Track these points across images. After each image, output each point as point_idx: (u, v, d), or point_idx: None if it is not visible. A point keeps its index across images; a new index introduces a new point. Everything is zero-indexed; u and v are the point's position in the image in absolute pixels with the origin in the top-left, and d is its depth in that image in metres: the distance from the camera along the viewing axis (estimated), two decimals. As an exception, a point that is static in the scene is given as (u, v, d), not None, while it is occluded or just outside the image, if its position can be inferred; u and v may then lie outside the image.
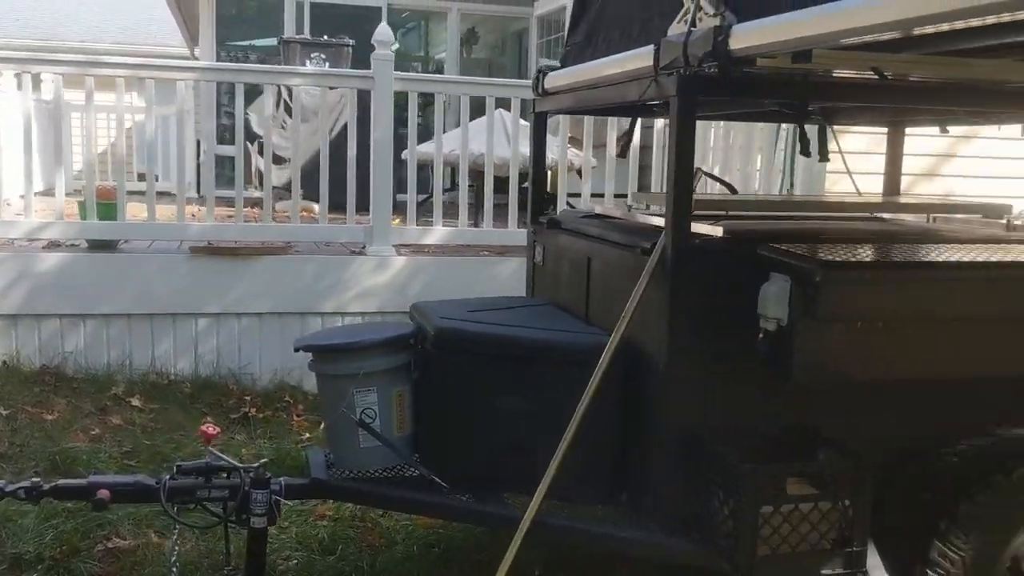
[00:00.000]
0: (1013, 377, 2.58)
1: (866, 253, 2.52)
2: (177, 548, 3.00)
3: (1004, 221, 3.33)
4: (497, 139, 6.04)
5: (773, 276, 2.47)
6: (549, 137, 6.00)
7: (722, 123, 5.90)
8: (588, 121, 5.93)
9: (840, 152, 3.55)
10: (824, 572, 2.41)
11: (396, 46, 5.37)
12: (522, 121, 6.22)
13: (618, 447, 2.80)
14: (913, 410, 2.63)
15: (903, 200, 3.83)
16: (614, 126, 5.97)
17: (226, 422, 4.78)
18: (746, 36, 2.27)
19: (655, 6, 2.84)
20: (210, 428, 3.09)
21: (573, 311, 3.27)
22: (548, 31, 10.71)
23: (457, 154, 5.71)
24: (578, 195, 6.16)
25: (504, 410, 2.87)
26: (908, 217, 3.53)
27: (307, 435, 4.72)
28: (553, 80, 3.60)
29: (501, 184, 5.88)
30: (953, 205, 3.81)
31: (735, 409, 2.59)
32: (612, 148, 5.79)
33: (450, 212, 5.90)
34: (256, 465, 3.02)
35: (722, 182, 3.95)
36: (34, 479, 2.94)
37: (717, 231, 2.67)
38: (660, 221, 3.06)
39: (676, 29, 2.57)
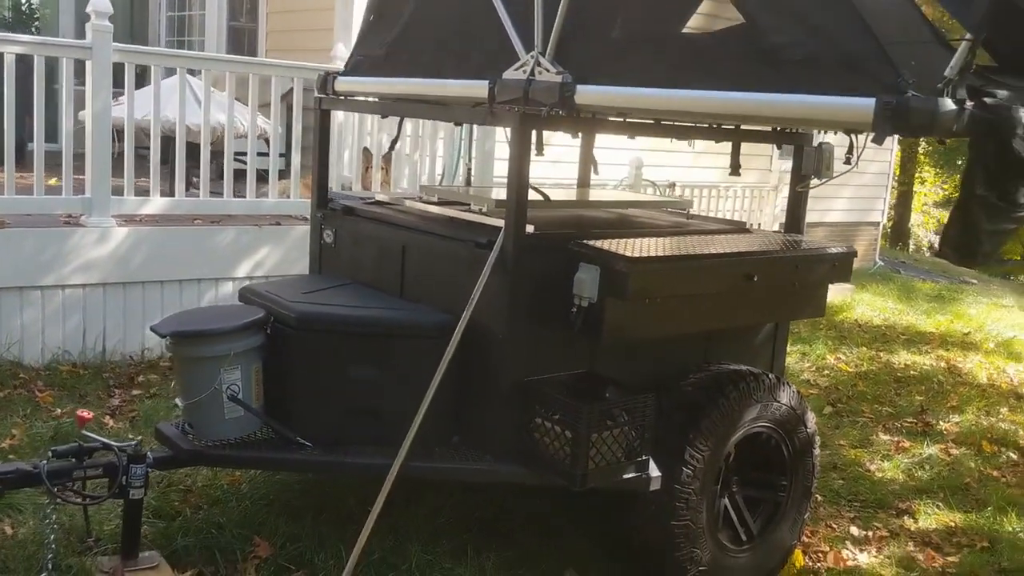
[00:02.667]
0: (727, 329, 3.76)
1: (648, 247, 3.48)
2: (54, 528, 3.19)
3: (686, 212, 4.57)
4: (190, 107, 6.24)
5: (584, 266, 3.35)
6: (216, 95, 6.35)
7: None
8: (253, 82, 6.24)
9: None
10: (624, 476, 3.39)
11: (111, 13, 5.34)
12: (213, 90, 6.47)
13: (451, 400, 3.52)
14: (670, 356, 3.71)
15: (636, 198, 4.90)
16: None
17: (-34, 404, 4.66)
18: (585, 96, 3.09)
19: (476, 44, 3.55)
20: (85, 413, 3.31)
21: (385, 290, 3.88)
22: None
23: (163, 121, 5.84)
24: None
25: (361, 379, 3.46)
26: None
27: (58, 410, 4.77)
28: (347, 85, 4.13)
29: (193, 150, 6.11)
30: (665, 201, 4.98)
31: (554, 365, 3.46)
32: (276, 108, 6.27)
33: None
34: (133, 442, 3.32)
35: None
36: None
37: (530, 228, 3.48)
38: (453, 214, 3.85)
39: (512, 74, 3.31)
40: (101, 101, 5.38)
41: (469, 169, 6.97)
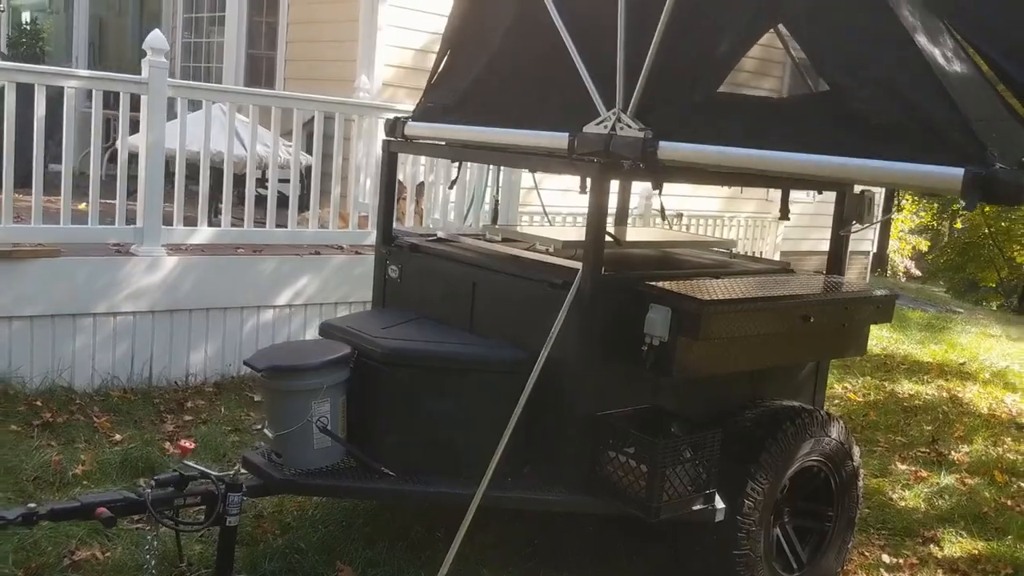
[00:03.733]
0: (785, 367, 3.99)
1: (714, 289, 3.70)
2: (154, 552, 3.35)
3: (730, 252, 4.81)
4: (231, 139, 6.42)
5: (655, 307, 3.56)
6: (261, 131, 6.52)
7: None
8: (297, 116, 6.44)
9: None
10: (693, 508, 3.59)
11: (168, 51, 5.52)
12: (241, 117, 6.65)
13: (524, 432, 3.71)
14: (727, 391, 3.92)
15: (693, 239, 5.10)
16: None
17: (30, 429, 4.78)
18: (667, 152, 3.31)
19: (554, 98, 3.77)
20: (187, 443, 3.47)
21: (454, 325, 4.06)
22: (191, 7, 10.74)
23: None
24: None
25: (441, 411, 3.65)
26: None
27: (117, 436, 4.91)
28: (418, 130, 4.33)
29: (239, 180, 6.29)
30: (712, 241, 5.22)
31: (622, 399, 3.67)
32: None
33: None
34: (232, 472, 3.48)
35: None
36: (30, 505, 3.12)
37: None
38: (520, 253, 4.06)
39: (593, 128, 3.52)
40: (155, 134, 5.54)
41: (496, 200, 7.17)
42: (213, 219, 6.14)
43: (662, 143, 3.32)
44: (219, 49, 10.14)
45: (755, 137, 3.17)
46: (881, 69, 2.85)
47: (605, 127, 3.48)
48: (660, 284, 3.63)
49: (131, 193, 5.69)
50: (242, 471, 3.66)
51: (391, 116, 4.55)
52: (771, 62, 10.83)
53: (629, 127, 3.41)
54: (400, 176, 7.11)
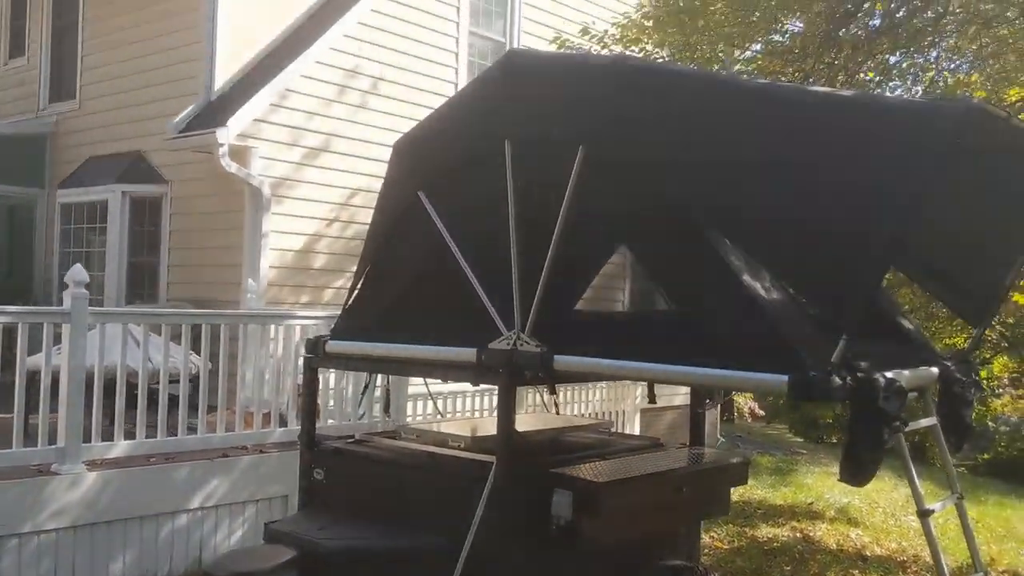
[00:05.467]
0: (664, 530, 4.73)
1: (606, 470, 4.43)
2: None
3: (608, 431, 5.60)
4: (131, 351, 6.85)
5: (559, 491, 4.26)
6: (173, 345, 6.99)
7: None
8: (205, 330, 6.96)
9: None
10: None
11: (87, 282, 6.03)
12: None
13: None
14: (626, 556, 4.61)
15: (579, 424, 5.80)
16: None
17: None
18: (561, 363, 4.10)
19: (461, 320, 4.52)
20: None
21: (382, 520, 4.61)
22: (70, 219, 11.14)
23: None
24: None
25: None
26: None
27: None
28: (338, 348, 4.99)
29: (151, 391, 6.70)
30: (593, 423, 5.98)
31: (546, 571, 4.30)
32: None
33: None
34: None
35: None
36: None
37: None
38: (435, 450, 4.71)
39: (497, 345, 4.29)
40: (76, 359, 5.96)
41: (387, 390, 7.79)
42: (129, 430, 6.49)
43: (556, 357, 4.10)
44: (100, 258, 10.55)
45: (628, 348, 3.99)
46: (718, 300, 3.75)
47: (507, 344, 4.25)
48: (561, 470, 4.35)
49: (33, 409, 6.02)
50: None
51: (312, 335, 5.19)
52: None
53: (528, 343, 4.20)
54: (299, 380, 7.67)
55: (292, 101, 9.91)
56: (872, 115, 3.64)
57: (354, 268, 10.26)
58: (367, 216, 10.29)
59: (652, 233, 4.08)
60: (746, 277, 3.68)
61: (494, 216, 4.38)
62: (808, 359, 3.41)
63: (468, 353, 4.37)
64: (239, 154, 9.42)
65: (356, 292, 5.10)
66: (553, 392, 4.90)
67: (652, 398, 5.42)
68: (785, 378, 3.41)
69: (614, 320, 4.33)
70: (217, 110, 9.76)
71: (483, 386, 9.20)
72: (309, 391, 5.13)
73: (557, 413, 6.26)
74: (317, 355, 5.08)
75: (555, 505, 4.22)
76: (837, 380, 3.33)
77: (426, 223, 4.66)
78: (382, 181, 5.27)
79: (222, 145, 9.14)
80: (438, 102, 10.95)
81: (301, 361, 7.50)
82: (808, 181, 3.62)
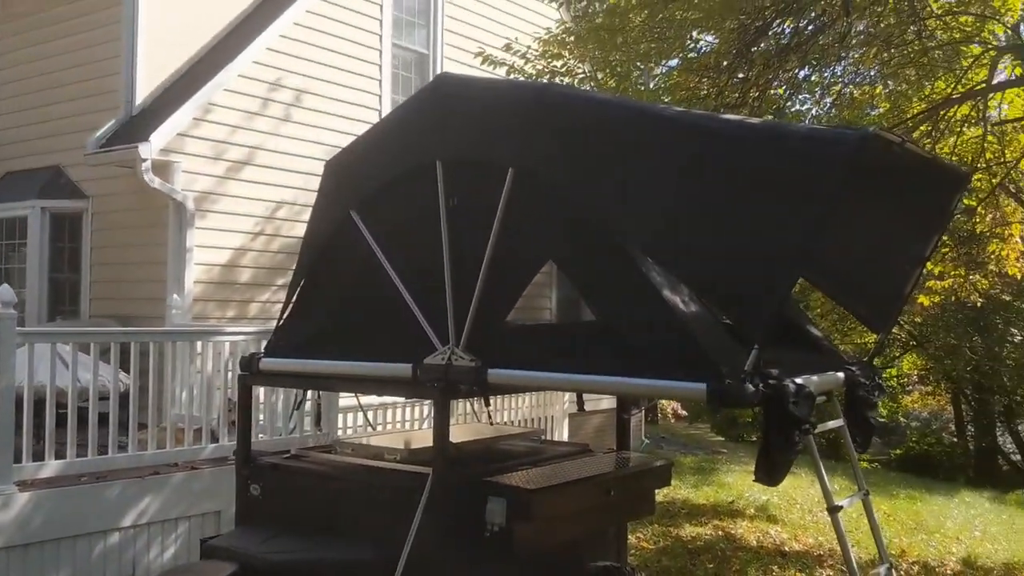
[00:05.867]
0: (593, 532, 4.94)
1: (538, 477, 4.61)
2: None
3: (539, 439, 5.81)
4: (59, 371, 6.82)
5: (492, 499, 4.43)
6: (101, 364, 6.98)
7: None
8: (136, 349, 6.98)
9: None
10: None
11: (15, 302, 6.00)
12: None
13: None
14: (559, 559, 4.80)
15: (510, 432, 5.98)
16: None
17: None
18: (495, 376, 4.28)
19: (396, 336, 4.66)
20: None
21: (319, 533, 4.72)
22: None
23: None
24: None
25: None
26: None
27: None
28: (272, 366, 5.08)
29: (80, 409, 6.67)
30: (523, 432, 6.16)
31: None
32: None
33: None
34: None
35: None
36: None
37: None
38: (371, 463, 4.85)
39: (432, 360, 4.45)
40: (5, 380, 5.92)
41: (318, 404, 7.88)
42: (59, 450, 6.45)
43: (490, 370, 4.28)
44: (20, 274, 10.37)
45: (558, 361, 4.20)
46: (641, 314, 3.97)
47: (442, 359, 4.42)
48: (494, 479, 4.53)
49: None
50: None
51: (242, 351, 5.27)
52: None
53: (462, 358, 4.37)
54: (230, 395, 7.70)
55: (215, 115, 9.91)
56: (779, 141, 3.91)
57: (280, 282, 10.44)
58: (292, 229, 10.45)
59: (578, 251, 4.29)
60: (666, 292, 3.91)
61: (426, 234, 4.54)
62: (723, 368, 3.65)
63: (404, 369, 4.52)
64: (162, 169, 9.39)
65: (289, 309, 5.21)
66: (487, 404, 5.08)
67: (581, 405, 5.64)
68: (703, 386, 3.64)
69: (543, 332, 4.53)
70: (139, 124, 9.70)
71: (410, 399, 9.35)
72: (244, 408, 5.21)
73: (491, 423, 6.44)
74: (251, 372, 5.17)
75: (489, 512, 4.39)
76: (750, 387, 3.58)
77: (359, 241, 4.80)
78: (313, 198, 5.38)
79: (145, 160, 9.09)
80: (362, 114, 11.17)
81: (231, 376, 7.59)
82: (722, 203, 3.87)
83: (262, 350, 5.34)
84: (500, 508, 4.37)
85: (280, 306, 10.24)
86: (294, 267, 5.38)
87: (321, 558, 4.41)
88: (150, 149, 9.11)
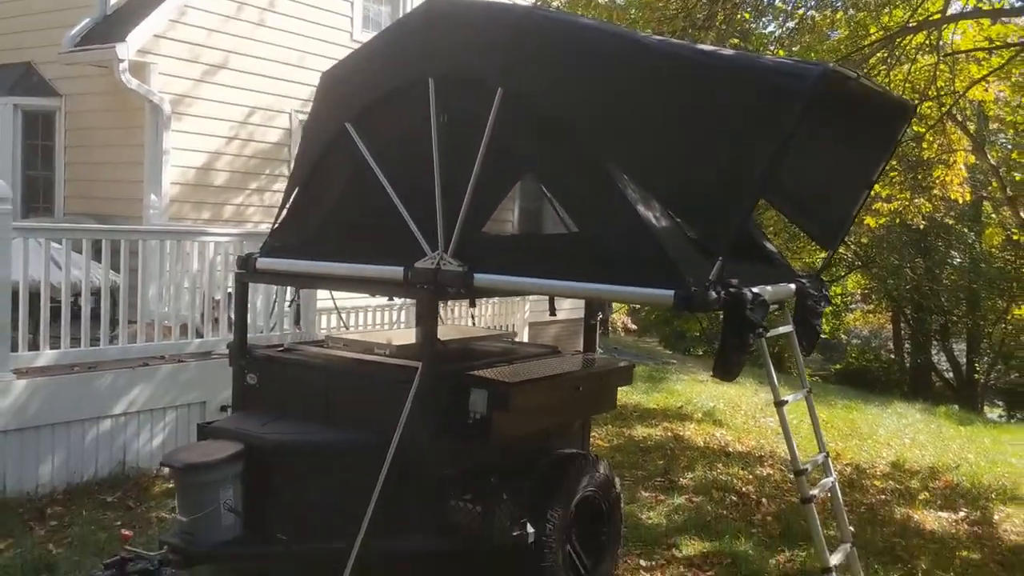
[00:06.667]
0: (564, 424, 5.45)
1: (515, 372, 5.07)
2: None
3: (511, 340, 6.26)
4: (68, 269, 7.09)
5: (475, 390, 4.89)
6: (76, 256, 7.23)
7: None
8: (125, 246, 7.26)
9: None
10: (513, 534, 4.91)
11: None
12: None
13: (385, 496, 4.86)
14: (528, 447, 5.31)
15: (488, 333, 6.39)
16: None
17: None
18: (481, 281, 4.69)
19: (389, 240, 5.03)
20: (127, 532, 4.36)
21: (312, 419, 5.14)
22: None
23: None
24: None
25: (319, 486, 4.76)
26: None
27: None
28: (268, 265, 5.43)
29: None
30: (499, 334, 6.60)
31: (457, 462, 4.95)
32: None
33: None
34: (162, 552, 4.41)
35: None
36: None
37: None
38: (362, 357, 5.27)
39: (423, 264, 4.84)
40: (3, 272, 6.21)
41: (298, 304, 8.25)
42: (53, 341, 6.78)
43: (476, 275, 4.69)
44: (-7, 171, 10.47)
45: (536, 267, 4.62)
46: (616, 226, 4.38)
47: (432, 264, 4.81)
48: (477, 372, 4.98)
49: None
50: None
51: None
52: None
53: (451, 263, 4.77)
54: (217, 296, 8.03)
55: (191, 17, 9.98)
56: (746, 72, 4.29)
57: (253, 186, 10.69)
58: (266, 135, 10.64)
59: (559, 165, 4.67)
60: (640, 207, 4.32)
61: (418, 148, 4.88)
62: (689, 278, 4.10)
63: (396, 271, 4.91)
64: (138, 70, 9.50)
65: (284, 213, 5.53)
66: (473, 306, 5.50)
67: (552, 311, 6.09)
68: (671, 293, 4.09)
69: (525, 241, 4.91)
70: (114, 23, 9.75)
71: (384, 301, 9.76)
72: (240, 304, 5.57)
73: (474, 325, 6.88)
74: (248, 271, 5.51)
75: (472, 403, 4.85)
76: (713, 295, 4.04)
77: (354, 151, 5.12)
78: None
79: (122, 61, 9.20)
80: (335, 21, 11.26)
81: (216, 276, 7.92)
82: (692, 128, 4.26)
83: (245, 251, 5.67)
84: (482, 399, 4.83)
85: (252, 210, 10.59)
86: (289, 172, 5.68)
87: (320, 440, 4.85)
88: (127, 49, 9.21)
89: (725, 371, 4.14)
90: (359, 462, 4.80)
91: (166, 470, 7.01)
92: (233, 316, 7.79)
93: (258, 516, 4.70)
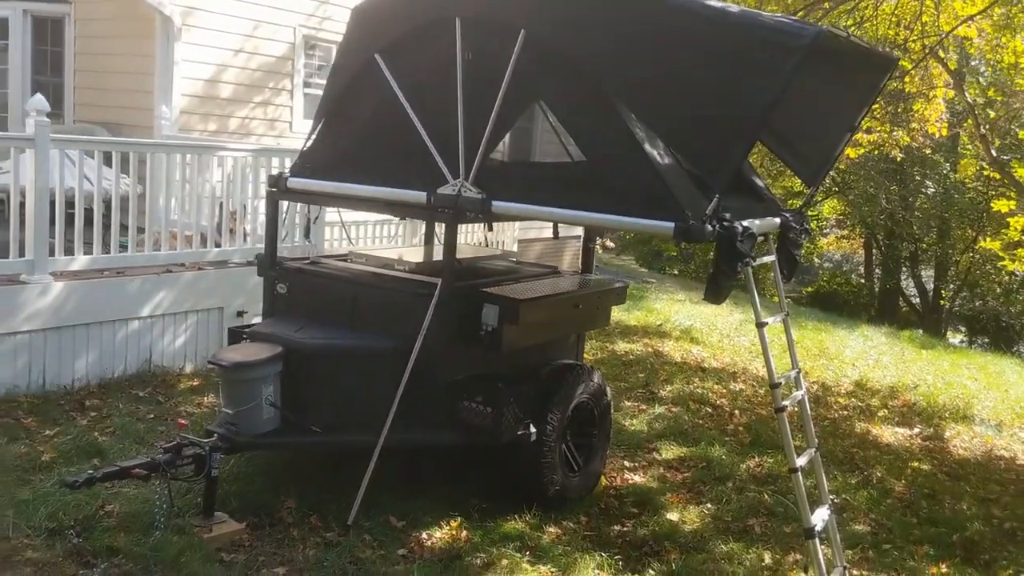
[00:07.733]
0: (563, 337, 6.03)
1: (523, 290, 5.61)
2: (164, 500, 4.80)
3: (515, 260, 6.80)
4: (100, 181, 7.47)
5: (487, 305, 5.43)
6: (89, 161, 7.64)
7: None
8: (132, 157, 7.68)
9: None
10: (518, 433, 5.53)
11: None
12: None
13: (406, 395, 5.43)
14: (530, 357, 5.89)
15: (493, 254, 6.91)
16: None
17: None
18: (497, 207, 5.19)
19: (413, 166, 5.49)
20: (183, 421, 4.92)
21: (338, 326, 5.67)
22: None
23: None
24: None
25: (350, 384, 5.33)
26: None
27: (47, 432, 6.06)
28: (299, 184, 5.89)
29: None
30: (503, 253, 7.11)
31: (468, 368, 5.52)
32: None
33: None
34: (213, 439, 4.98)
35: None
36: (89, 472, 4.50)
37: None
38: (384, 271, 5.79)
39: (445, 190, 5.32)
40: (42, 180, 6.61)
41: (308, 218, 8.70)
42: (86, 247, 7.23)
43: (494, 202, 5.19)
44: (2, 75, 10.70)
45: (548, 197, 5.12)
46: (623, 161, 4.88)
47: (453, 190, 5.30)
48: (489, 289, 5.52)
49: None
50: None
51: (275, 171, 6.04)
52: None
53: (471, 191, 5.26)
54: (232, 207, 8.46)
55: (200, -72, 10.14)
56: (749, 27, 4.73)
57: (257, 99, 10.98)
58: (271, 48, 10.91)
59: (574, 103, 5.14)
60: (646, 145, 4.82)
61: (443, 81, 5.32)
62: (688, 211, 4.63)
63: (419, 196, 5.40)
64: (149, -19, 9.70)
65: (314, 136, 5.96)
66: (490, 229, 6.00)
67: (556, 233, 6.63)
68: (671, 225, 4.62)
69: (538, 172, 5.39)
70: (123, -67, 9.90)
71: (381, 217, 10.21)
72: (271, 219, 6.05)
73: (487, 245, 7.39)
74: (280, 189, 5.97)
75: (484, 316, 5.40)
76: (709, 227, 4.57)
77: (382, 81, 5.55)
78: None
79: (134, -29, 9.40)
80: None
81: (233, 188, 8.35)
82: (698, 74, 4.73)
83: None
84: (494, 313, 5.39)
85: (256, 123, 10.92)
86: (320, 99, 6.08)
87: (351, 344, 5.40)
88: (139, -40, 9.40)
89: (715, 295, 4.70)
90: (384, 365, 5.36)
91: (189, 368, 7.61)
92: (247, 228, 8.30)
93: (294, 410, 5.27)
